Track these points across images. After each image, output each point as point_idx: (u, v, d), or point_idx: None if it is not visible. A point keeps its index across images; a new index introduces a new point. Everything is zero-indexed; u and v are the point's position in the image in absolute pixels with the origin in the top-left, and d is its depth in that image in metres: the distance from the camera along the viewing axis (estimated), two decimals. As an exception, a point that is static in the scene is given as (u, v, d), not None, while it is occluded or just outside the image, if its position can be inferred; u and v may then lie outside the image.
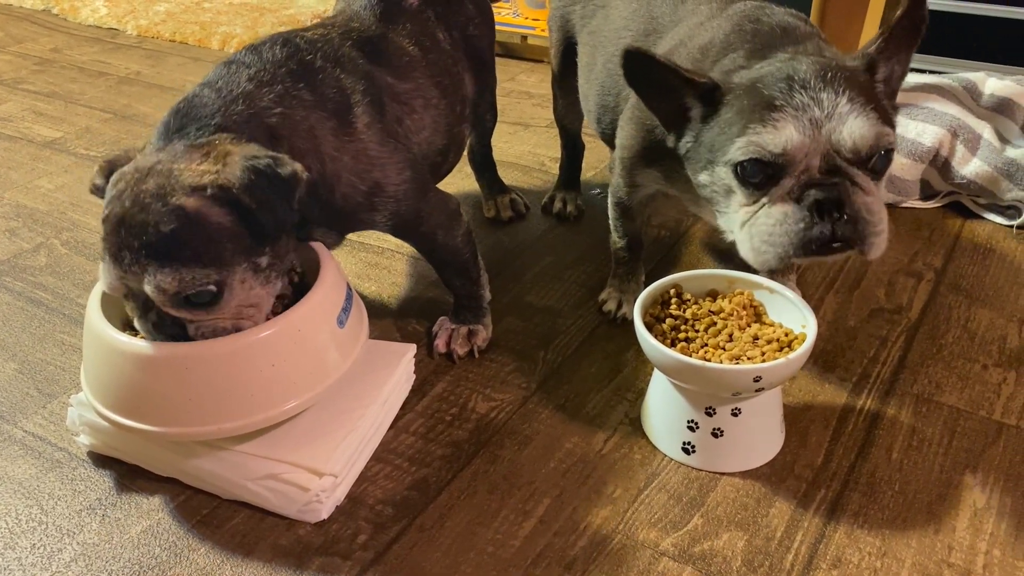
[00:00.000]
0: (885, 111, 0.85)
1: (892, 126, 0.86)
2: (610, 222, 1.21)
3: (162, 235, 0.81)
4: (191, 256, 0.82)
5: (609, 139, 1.17)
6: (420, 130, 1.10)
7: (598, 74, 1.17)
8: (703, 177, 0.91)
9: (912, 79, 1.61)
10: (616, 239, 1.22)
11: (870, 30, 1.75)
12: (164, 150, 0.87)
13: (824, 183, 0.81)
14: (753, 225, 0.86)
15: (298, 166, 0.85)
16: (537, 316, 1.25)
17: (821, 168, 0.82)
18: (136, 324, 0.88)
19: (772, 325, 0.97)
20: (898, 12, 0.85)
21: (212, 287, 0.83)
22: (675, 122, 0.92)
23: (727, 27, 0.97)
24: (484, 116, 1.40)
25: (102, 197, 0.90)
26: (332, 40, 1.03)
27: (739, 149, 0.83)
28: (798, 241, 0.82)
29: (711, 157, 0.88)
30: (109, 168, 0.90)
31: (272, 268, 0.89)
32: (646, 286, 1.01)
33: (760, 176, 0.83)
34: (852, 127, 0.80)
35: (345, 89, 0.98)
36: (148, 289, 0.82)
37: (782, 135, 0.80)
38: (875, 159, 0.83)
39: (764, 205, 0.85)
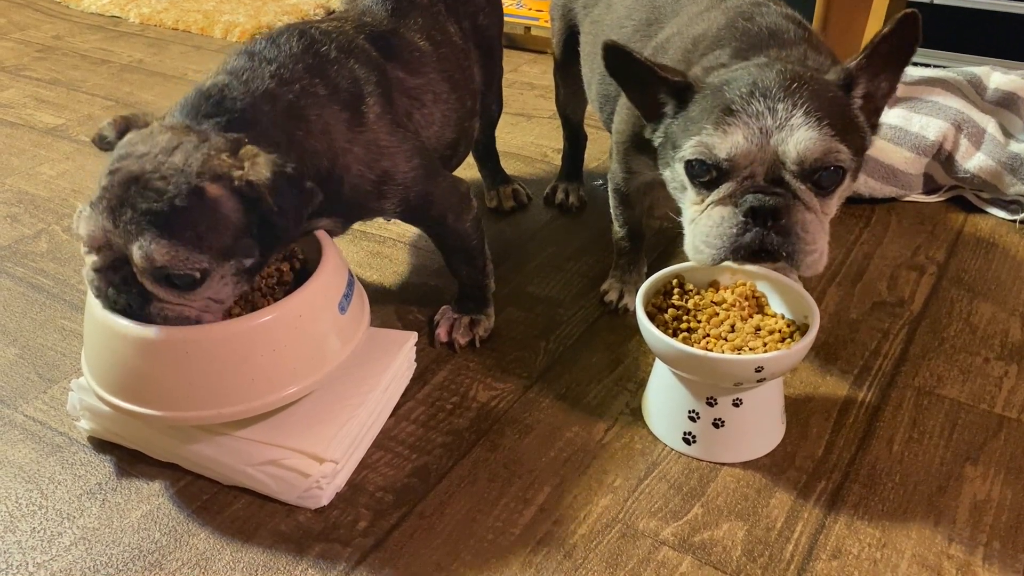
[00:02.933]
0: (849, 128, 0.83)
1: (856, 145, 0.84)
2: (611, 211, 1.21)
3: (174, 208, 0.81)
4: (192, 238, 0.82)
5: (611, 126, 1.17)
6: (430, 124, 1.10)
7: (599, 63, 1.17)
8: (667, 173, 0.93)
9: (917, 73, 1.60)
10: (617, 228, 1.22)
11: (874, 27, 1.75)
12: (196, 131, 0.87)
13: (764, 191, 0.81)
14: (696, 224, 0.87)
15: (315, 186, 0.88)
16: (538, 306, 1.24)
17: (766, 177, 0.82)
18: (88, 274, 0.86)
19: (774, 316, 0.97)
20: (884, 29, 0.82)
21: (197, 274, 0.83)
22: (653, 114, 0.92)
23: (721, 21, 0.97)
24: (490, 106, 1.40)
25: (103, 149, 0.90)
26: (346, 32, 1.04)
27: (690, 147, 0.84)
28: (729, 244, 0.83)
29: (672, 153, 0.89)
30: (124, 125, 0.90)
31: (250, 272, 0.89)
32: (648, 277, 1.01)
33: (707, 176, 0.84)
34: (799, 139, 0.79)
35: (359, 79, 0.99)
36: (136, 253, 0.82)
37: (729, 140, 0.80)
38: (820, 174, 0.82)
39: (708, 206, 0.85)
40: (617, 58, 0.88)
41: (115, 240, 0.83)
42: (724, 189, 0.83)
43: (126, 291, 0.85)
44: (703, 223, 0.86)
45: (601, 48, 0.88)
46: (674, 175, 0.90)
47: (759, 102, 0.79)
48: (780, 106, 0.79)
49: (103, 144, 0.90)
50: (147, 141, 0.85)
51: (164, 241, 0.81)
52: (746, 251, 0.83)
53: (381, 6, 1.12)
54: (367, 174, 0.99)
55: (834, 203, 0.86)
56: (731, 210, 0.83)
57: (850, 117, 0.85)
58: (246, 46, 0.98)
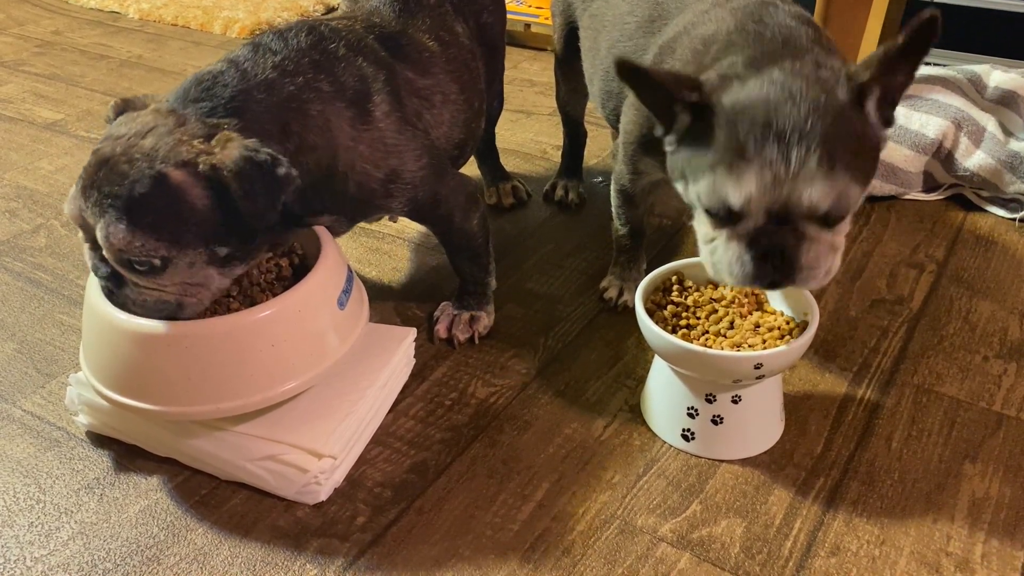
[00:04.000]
0: (863, 156, 0.83)
1: (868, 172, 0.84)
2: (612, 209, 1.21)
3: (133, 193, 0.81)
4: (150, 224, 0.81)
5: (614, 123, 1.17)
6: (439, 125, 1.10)
7: (603, 59, 1.17)
8: (678, 186, 0.92)
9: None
10: (618, 226, 1.21)
11: (874, 26, 1.75)
12: (175, 114, 0.87)
13: (775, 232, 0.83)
14: (712, 252, 0.88)
15: (294, 171, 0.86)
16: (538, 303, 1.24)
17: (777, 216, 0.83)
18: (85, 252, 0.89)
19: (773, 313, 0.97)
20: (904, 37, 0.80)
21: (157, 261, 0.83)
22: (665, 119, 0.90)
23: (731, 23, 0.96)
24: (491, 103, 1.40)
25: None
26: (356, 31, 1.03)
27: (704, 191, 0.84)
28: (743, 278, 0.86)
29: (684, 173, 0.89)
30: (123, 107, 0.90)
31: (232, 259, 0.88)
32: (647, 274, 1.01)
33: (721, 214, 0.85)
34: (812, 192, 0.80)
35: (366, 77, 0.98)
36: (99, 235, 0.82)
37: (743, 190, 0.81)
38: (830, 217, 0.84)
39: (722, 237, 0.86)
40: (631, 75, 0.86)
41: (87, 219, 0.84)
42: (738, 228, 0.84)
43: (107, 271, 0.86)
44: (718, 254, 0.87)
45: (614, 65, 0.87)
46: (686, 194, 0.90)
47: (773, 147, 0.79)
48: (794, 153, 0.79)
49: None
50: (129, 123, 0.85)
51: (121, 226, 0.81)
52: (760, 282, 0.86)
53: (389, 7, 1.11)
54: (374, 172, 0.99)
55: (844, 227, 0.87)
56: (743, 248, 0.84)
57: (864, 141, 0.84)
58: (254, 38, 0.98)
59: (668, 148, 0.91)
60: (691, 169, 0.86)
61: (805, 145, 0.79)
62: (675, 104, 0.87)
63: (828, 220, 0.83)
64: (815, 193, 0.80)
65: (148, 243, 0.82)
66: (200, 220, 0.84)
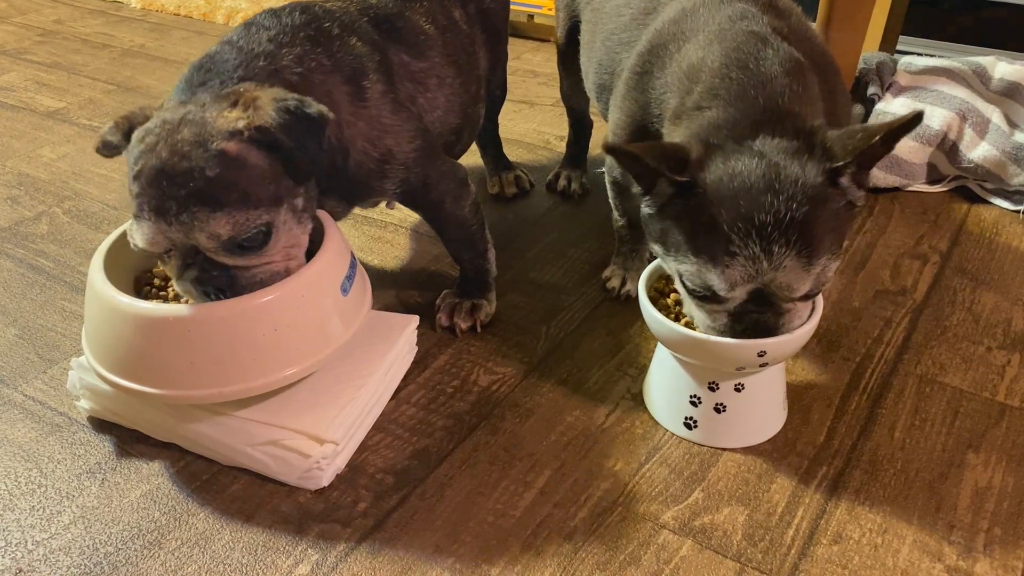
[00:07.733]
0: (838, 233, 0.84)
1: (841, 243, 0.85)
2: (610, 200, 1.21)
3: (209, 180, 0.81)
4: (240, 199, 0.82)
5: (607, 116, 1.16)
6: (433, 109, 1.10)
7: (596, 52, 1.16)
8: (655, 248, 0.92)
9: (922, 62, 1.60)
10: (616, 217, 1.21)
11: (879, 18, 1.74)
12: (190, 102, 0.87)
13: (757, 310, 0.86)
14: (697, 314, 0.90)
15: (323, 107, 0.86)
16: (540, 292, 1.24)
17: (756, 298, 0.85)
18: (176, 285, 0.88)
19: (777, 302, 0.96)
20: (888, 130, 0.80)
21: (263, 228, 0.84)
22: (646, 184, 0.90)
23: (718, 59, 0.91)
24: (494, 91, 1.39)
25: (110, 155, 0.89)
26: (350, 12, 1.04)
27: (688, 275, 0.86)
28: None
29: (663, 243, 0.89)
30: (128, 125, 0.89)
31: (306, 210, 0.90)
32: (650, 263, 1.01)
33: (704, 293, 0.87)
34: (792, 282, 0.83)
35: (361, 57, 0.99)
36: (200, 238, 0.82)
37: (727, 282, 0.83)
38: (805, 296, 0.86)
39: (704, 306, 0.88)
40: (622, 156, 0.88)
41: (175, 237, 0.83)
42: (719, 306, 0.86)
43: (210, 279, 0.85)
44: (701, 317, 0.89)
45: (605, 152, 0.88)
46: (665, 263, 0.92)
47: (755, 244, 0.81)
48: (775, 248, 0.81)
49: (111, 150, 0.89)
50: (153, 132, 0.84)
51: (219, 214, 0.81)
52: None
53: None
54: (371, 151, 0.99)
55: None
56: (726, 322, 0.87)
57: (839, 216, 0.84)
58: (246, 20, 0.98)
59: (645, 208, 0.91)
60: (672, 244, 0.88)
61: (785, 239, 0.81)
62: (659, 178, 0.86)
63: (807, 296, 0.86)
64: (795, 282, 0.83)
65: (250, 215, 0.83)
66: (272, 177, 0.85)
